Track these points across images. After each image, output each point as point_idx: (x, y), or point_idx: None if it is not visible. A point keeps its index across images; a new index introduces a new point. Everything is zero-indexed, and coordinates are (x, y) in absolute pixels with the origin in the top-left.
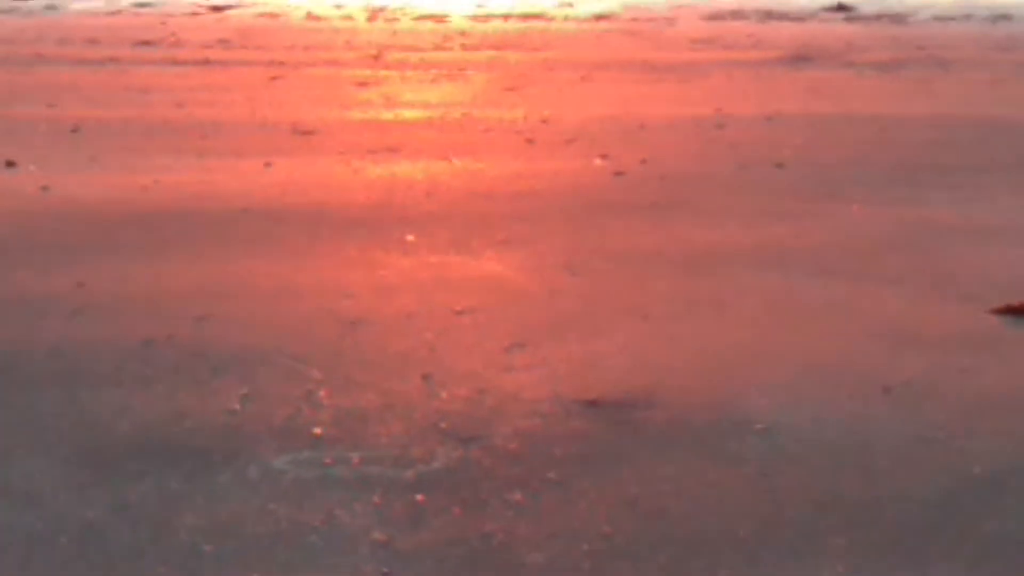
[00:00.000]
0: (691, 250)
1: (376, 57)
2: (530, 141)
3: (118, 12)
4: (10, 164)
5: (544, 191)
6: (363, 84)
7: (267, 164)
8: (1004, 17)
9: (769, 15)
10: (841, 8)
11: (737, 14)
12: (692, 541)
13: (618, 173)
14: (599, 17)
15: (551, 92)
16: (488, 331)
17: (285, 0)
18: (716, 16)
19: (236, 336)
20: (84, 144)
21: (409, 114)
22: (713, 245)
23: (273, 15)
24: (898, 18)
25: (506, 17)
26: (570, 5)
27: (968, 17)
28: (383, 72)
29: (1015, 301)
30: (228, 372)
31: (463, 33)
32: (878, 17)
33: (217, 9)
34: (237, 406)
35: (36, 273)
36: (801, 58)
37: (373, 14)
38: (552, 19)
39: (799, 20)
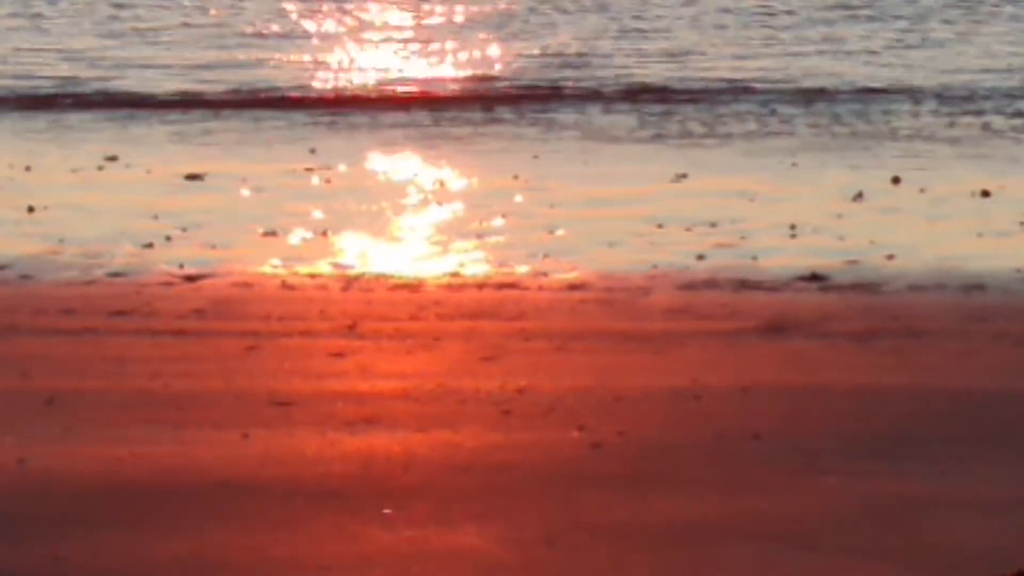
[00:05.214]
0: (669, 522)
1: (351, 327)
2: (506, 412)
3: (93, 281)
4: None
5: (521, 463)
6: (338, 354)
7: (244, 435)
8: (978, 287)
9: (743, 284)
10: (815, 278)
11: (711, 283)
12: None
13: (595, 445)
14: (573, 286)
15: (526, 362)
16: None
17: (259, 269)
18: (690, 285)
19: None
20: (59, 415)
21: (385, 385)
22: (691, 517)
23: (247, 284)
24: (872, 287)
25: (480, 286)
26: (544, 274)
27: (942, 287)
28: (358, 342)
29: (993, 573)
30: None
31: (438, 302)
32: (852, 287)
33: (191, 279)
34: None
35: (12, 546)
36: (776, 328)
37: (347, 283)
38: (527, 288)
39: (773, 290)
